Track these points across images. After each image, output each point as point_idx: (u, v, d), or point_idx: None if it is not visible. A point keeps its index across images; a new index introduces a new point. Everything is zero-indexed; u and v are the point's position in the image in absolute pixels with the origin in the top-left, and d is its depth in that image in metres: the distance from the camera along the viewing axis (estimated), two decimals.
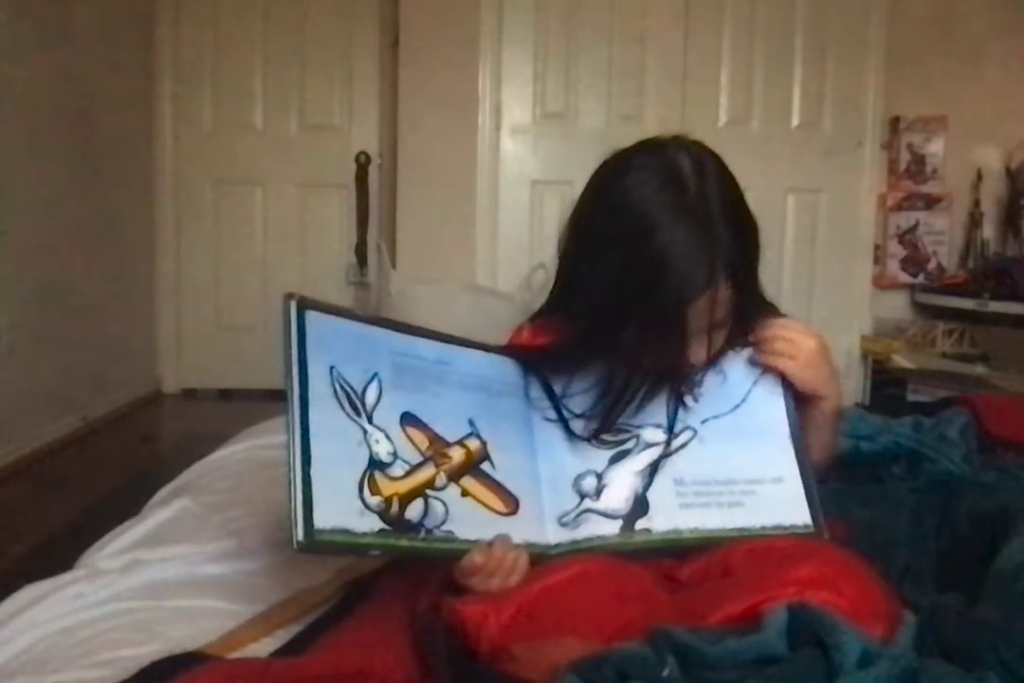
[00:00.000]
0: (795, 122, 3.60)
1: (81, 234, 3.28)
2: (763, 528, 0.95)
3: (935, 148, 3.70)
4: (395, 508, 0.84)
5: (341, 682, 0.78)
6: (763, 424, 1.02)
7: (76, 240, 3.24)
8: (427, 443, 0.90)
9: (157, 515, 1.26)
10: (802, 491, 0.98)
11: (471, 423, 0.95)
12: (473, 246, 3.55)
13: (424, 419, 0.91)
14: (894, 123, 3.69)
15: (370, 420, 0.87)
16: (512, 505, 0.93)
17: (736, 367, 1.04)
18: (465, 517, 0.88)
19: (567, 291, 1.07)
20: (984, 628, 0.78)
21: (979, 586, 0.90)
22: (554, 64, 3.53)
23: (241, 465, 1.52)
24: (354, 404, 0.87)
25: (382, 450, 0.86)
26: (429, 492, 0.87)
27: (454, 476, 0.90)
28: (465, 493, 0.90)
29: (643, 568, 0.88)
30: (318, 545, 0.78)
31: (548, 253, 1.13)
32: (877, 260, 3.73)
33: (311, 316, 0.92)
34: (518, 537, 0.90)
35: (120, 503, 1.49)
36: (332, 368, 0.88)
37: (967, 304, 3.46)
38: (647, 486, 0.97)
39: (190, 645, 0.85)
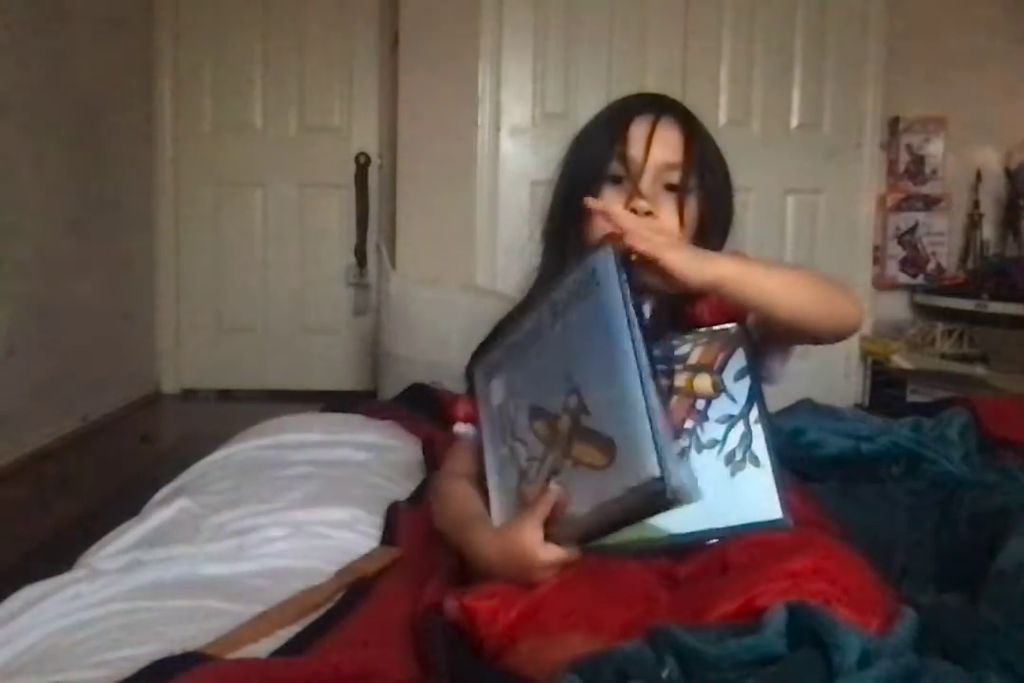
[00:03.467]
0: (795, 123, 3.60)
1: (81, 234, 3.27)
2: (731, 528, 0.88)
3: (934, 149, 3.70)
4: None
5: (341, 682, 0.78)
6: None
7: (76, 240, 3.24)
8: (546, 429, 0.84)
9: (157, 515, 1.26)
10: (771, 481, 0.88)
11: (567, 377, 0.83)
12: (473, 246, 3.55)
13: (543, 405, 0.85)
14: (893, 124, 3.70)
15: (514, 436, 0.86)
16: (609, 451, 0.79)
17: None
18: (579, 489, 0.81)
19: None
20: (985, 628, 0.78)
21: (979, 586, 0.90)
22: (554, 64, 3.53)
23: (241, 465, 1.51)
24: (504, 429, 0.87)
25: (521, 458, 0.85)
26: (553, 479, 0.83)
27: (567, 449, 0.82)
28: (576, 462, 0.81)
29: (643, 567, 0.88)
30: None
31: None
32: (876, 261, 3.73)
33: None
34: (619, 489, 0.78)
35: (120, 503, 1.49)
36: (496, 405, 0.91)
37: (966, 305, 3.46)
38: None
39: (190, 645, 0.85)
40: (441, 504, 1.07)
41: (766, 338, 0.99)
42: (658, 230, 0.92)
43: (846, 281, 3.78)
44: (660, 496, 0.75)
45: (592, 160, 1.06)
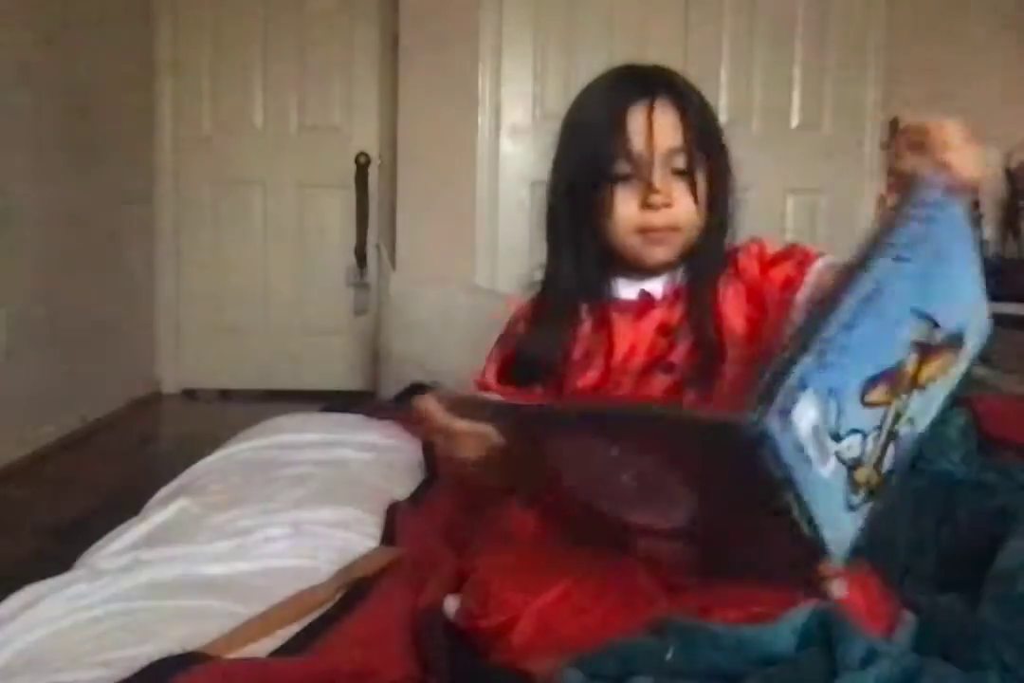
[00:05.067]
0: (795, 122, 3.60)
1: (81, 234, 3.27)
2: None
3: None
4: (875, 479, 0.75)
5: (341, 682, 0.78)
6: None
7: (76, 240, 3.24)
8: (887, 389, 0.75)
9: (157, 515, 1.26)
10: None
11: (914, 312, 0.78)
12: (473, 246, 3.55)
13: (876, 372, 0.74)
14: (893, 124, 3.69)
15: (838, 438, 0.72)
16: (959, 340, 0.86)
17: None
18: (932, 404, 0.81)
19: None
20: (984, 628, 0.78)
21: (979, 586, 0.89)
22: (554, 64, 3.53)
23: (241, 465, 1.51)
24: (821, 448, 0.71)
25: (853, 452, 0.74)
26: (897, 428, 0.77)
27: (911, 388, 0.77)
28: (926, 383, 0.79)
29: (648, 576, 0.88)
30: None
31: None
32: None
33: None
34: (972, 348, 0.88)
35: (120, 503, 1.49)
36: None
37: None
38: None
39: (190, 645, 0.85)
40: None
41: None
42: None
43: None
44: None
45: (595, 160, 1.03)
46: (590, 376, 1.03)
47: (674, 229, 1.03)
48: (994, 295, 3.42)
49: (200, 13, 3.87)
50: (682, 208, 1.03)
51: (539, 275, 1.13)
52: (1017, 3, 3.66)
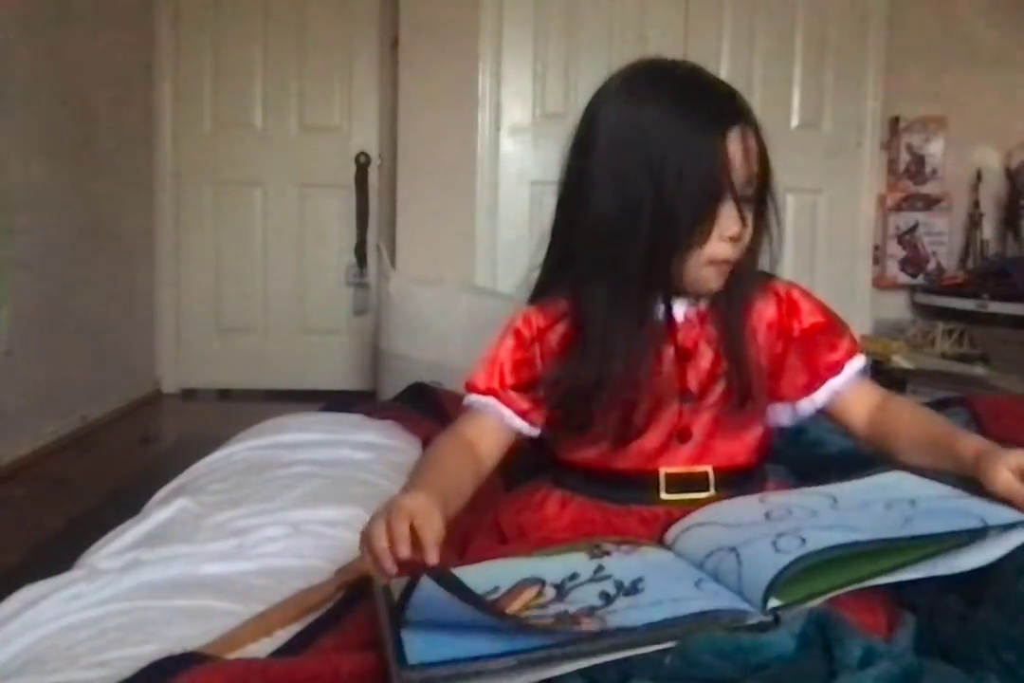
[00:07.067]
0: (795, 122, 3.61)
1: (81, 234, 3.27)
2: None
3: (935, 148, 3.70)
4: None
5: (341, 682, 0.78)
6: None
7: (76, 240, 3.24)
8: None
9: (157, 515, 1.25)
10: None
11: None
12: (473, 246, 3.55)
13: None
14: (894, 123, 3.70)
15: None
16: None
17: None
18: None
19: (568, 242, 1.01)
20: (985, 629, 0.78)
21: (979, 586, 0.89)
22: (554, 64, 3.53)
23: (241, 465, 1.51)
24: None
25: None
26: None
27: None
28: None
29: None
30: None
31: None
32: (876, 261, 3.73)
33: None
34: None
35: (120, 503, 1.49)
36: None
37: (966, 305, 3.46)
38: None
39: (190, 645, 0.85)
40: (424, 453, 1.01)
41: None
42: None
43: (845, 281, 3.78)
44: None
45: (694, 191, 0.92)
46: (664, 404, 0.99)
47: (733, 260, 0.98)
48: (994, 295, 3.46)
49: (200, 13, 3.87)
50: (745, 238, 0.97)
51: (537, 275, 1.10)
52: (1017, 4, 3.66)
